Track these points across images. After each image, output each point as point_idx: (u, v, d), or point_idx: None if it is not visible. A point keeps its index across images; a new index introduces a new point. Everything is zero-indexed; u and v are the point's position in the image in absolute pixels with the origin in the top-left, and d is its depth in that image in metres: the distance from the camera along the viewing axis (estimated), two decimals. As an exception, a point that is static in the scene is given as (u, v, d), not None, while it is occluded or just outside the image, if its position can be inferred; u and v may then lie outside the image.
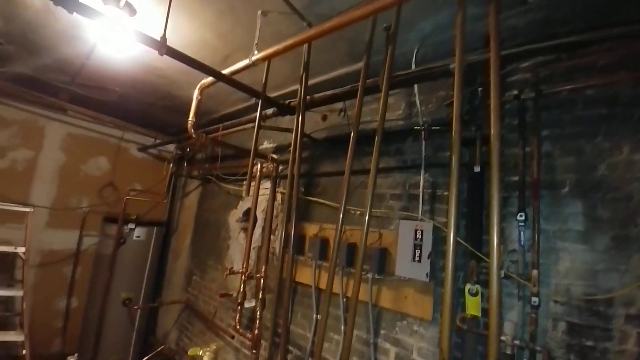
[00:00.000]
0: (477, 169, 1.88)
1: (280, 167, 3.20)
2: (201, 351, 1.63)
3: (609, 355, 1.49)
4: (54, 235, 4.37)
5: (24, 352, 3.27)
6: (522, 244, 1.71)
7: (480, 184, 1.92)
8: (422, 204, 2.13)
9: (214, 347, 1.66)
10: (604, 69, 1.72)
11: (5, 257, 3.82)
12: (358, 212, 2.51)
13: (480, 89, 1.89)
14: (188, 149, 4.75)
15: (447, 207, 1.36)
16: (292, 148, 2.25)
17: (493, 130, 1.24)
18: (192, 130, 2.50)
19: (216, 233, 4.16)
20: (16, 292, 3.42)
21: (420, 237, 1.98)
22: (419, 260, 1.96)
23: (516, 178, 1.84)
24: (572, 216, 1.69)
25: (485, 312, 1.81)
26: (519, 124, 1.88)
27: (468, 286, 1.77)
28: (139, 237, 4.30)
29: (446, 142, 2.16)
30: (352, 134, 1.86)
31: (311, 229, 2.79)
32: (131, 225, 4.22)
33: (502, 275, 1.64)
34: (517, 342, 1.59)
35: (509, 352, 1.58)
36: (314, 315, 2.69)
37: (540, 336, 1.63)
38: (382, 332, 2.24)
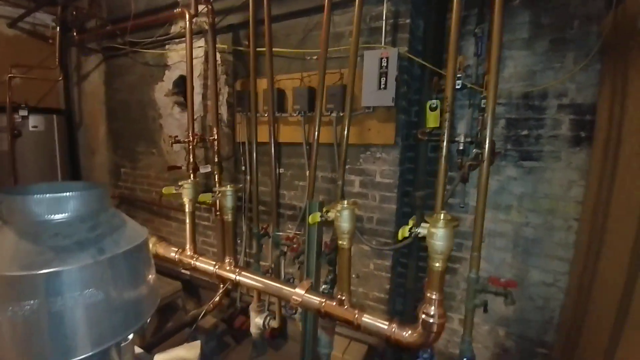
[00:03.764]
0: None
1: (217, 19, 2.72)
2: (175, 188, 1.52)
3: (542, 140, 1.89)
4: None
5: None
6: (478, 53, 1.87)
7: (443, 5, 1.94)
8: (385, 35, 2.10)
9: (190, 182, 1.58)
10: None
11: None
12: (315, 57, 2.39)
13: None
14: (74, 12, 3.63)
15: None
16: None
17: None
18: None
19: (141, 115, 3.63)
20: None
21: (385, 64, 2.01)
22: (385, 87, 2.03)
23: (476, -6, 1.90)
24: (520, 25, 1.88)
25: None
26: None
27: (429, 103, 1.95)
28: (36, 127, 3.50)
29: (410, -37, 2.05)
30: None
31: (262, 84, 2.60)
32: (23, 113, 3.36)
33: (458, 83, 1.80)
34: (468, 139, 1.89)
35: (461, 147, 1.87)
36: (276, 171, 2.73)
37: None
38: (346, 167, 2.42)
